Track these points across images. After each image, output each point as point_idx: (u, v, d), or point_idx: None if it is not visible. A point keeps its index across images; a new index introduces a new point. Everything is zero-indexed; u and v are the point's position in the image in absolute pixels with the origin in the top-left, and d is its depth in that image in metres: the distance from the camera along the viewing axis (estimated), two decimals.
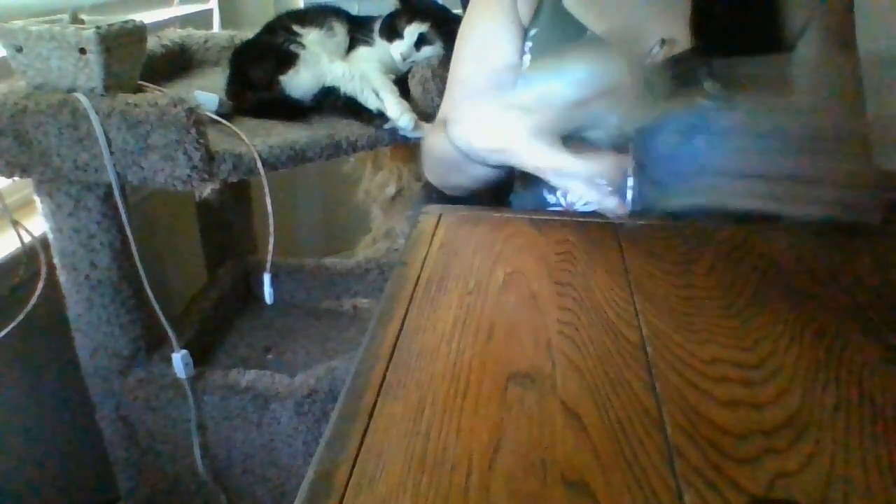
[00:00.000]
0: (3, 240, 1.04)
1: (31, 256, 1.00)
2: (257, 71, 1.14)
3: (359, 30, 1.22)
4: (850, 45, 0.77)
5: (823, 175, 0.55)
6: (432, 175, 0.88)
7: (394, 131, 1.10)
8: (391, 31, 1.17)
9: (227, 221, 1.47)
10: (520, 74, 0.81)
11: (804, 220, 0.66)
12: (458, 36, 0.87)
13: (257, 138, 0.99)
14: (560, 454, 0.38)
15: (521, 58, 0.81)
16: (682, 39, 0.74)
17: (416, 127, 1.08)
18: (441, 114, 0.90)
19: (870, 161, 0.77)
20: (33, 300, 0.97)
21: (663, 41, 0.74)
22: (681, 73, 0.71)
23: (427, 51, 1.17)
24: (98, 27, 0.85)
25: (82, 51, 0.85)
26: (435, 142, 0.82)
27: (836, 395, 0.43)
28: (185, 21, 1.54)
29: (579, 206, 0.77)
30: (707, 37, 0.74)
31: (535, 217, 0.68)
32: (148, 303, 1.02)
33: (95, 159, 0.89)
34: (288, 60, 1.11)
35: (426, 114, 1.13)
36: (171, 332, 1.04)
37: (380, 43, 1.19)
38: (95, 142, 0.87)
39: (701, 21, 0.74)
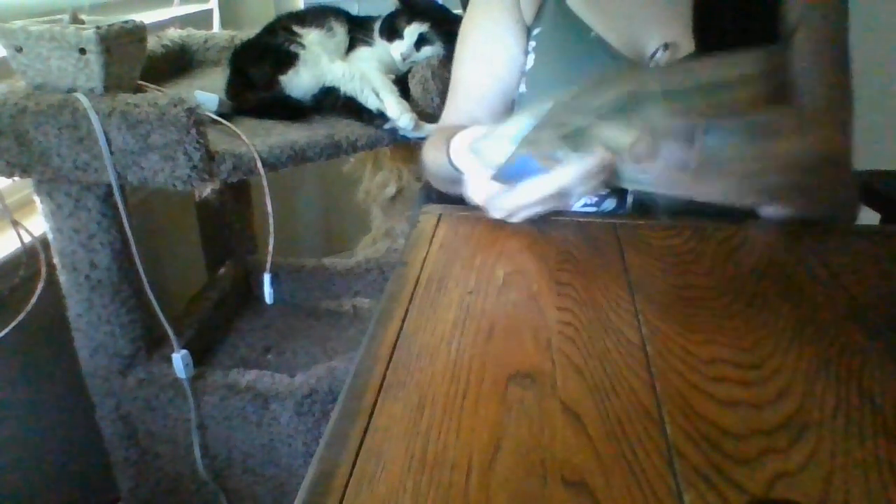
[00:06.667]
0: (3, 240, 1.04)
1: (31, 256, 1.00)
2: (257, 71, 1.14)
3: (359, 30, 1.22)
4: (840, 42, 0.77)
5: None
6: (435, 183, 0.87)
7: (394, 131, 1.10)
8: (391, 31, 1.17)
9: (227, 221, 1.47)
10: (523, 74, 0.81)
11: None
12: (460, 36, 0.87)
13: (257, 138, 0.99)
14: (560, 454, 0.38)
15: (524, 57, 0.81)
16: (684, 42, 0.74)
17: (416, 127, 1.08)
18: (443, 117, 0.90)
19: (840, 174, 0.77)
20: (33, 300, 0.97)
21: (666, 45, 0.74)
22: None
23: (427, 51, 1.17)
24: (98, 27, 0.85)
25: (82, 51, 0.85)
26: (431, 154, 0.82)
27: (836, 395, 0.43)
28: (185, 21, 1.54)
29: (577, 207, 0.77)
30: (708, 40, 0.73)
31: (535, 217, 0.68)
32: (148, 303, 1.02)
33: (95, 159, 0.89)
34: (288, 60, 1.11)
35: (426, 114, 1.12)
36: (171, 332, 1.04)
37: (380, 43, 1.19)
38: (95, 142, 0.87)
39: (702, 24, 0.74)
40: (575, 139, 0.55)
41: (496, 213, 0.63)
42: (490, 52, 0.82)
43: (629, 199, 0.75)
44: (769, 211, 0.67)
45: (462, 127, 0.71)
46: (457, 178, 0.72)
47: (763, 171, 0.54)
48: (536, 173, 0.57)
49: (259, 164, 0.94)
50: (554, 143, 0.56)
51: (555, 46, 0.78)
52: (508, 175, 0.59)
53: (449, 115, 0.88)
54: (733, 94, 0.52)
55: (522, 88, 0.81)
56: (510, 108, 0.83)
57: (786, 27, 0.75)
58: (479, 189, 0.63)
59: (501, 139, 0.60)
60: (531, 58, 0.80)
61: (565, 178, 0.56)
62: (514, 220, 0.63)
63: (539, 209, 0.61)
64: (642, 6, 0.76)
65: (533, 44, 0.80)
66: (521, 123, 0.58)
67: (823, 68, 0.76)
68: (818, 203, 0.68)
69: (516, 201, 0.60)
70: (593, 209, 0.77)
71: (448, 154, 0.71)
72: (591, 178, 0.55)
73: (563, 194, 0.57)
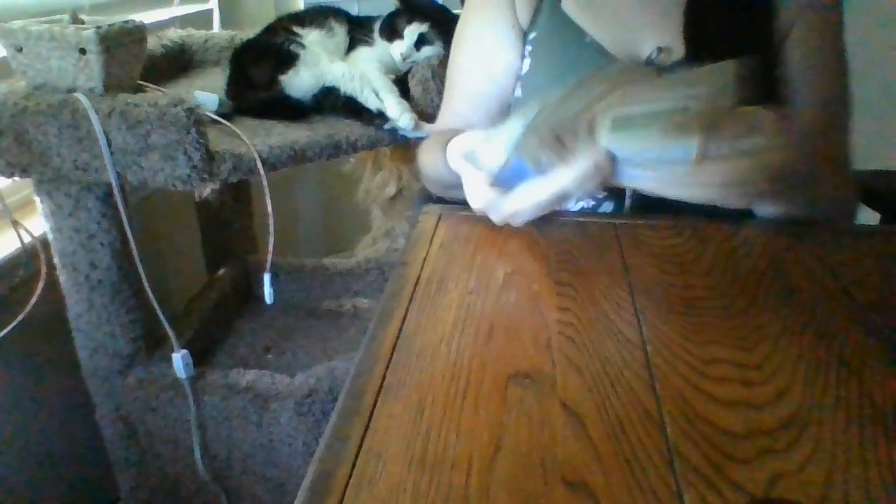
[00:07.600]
0: (3, 240, 1.04)
1: (31, 256, 1.00)
2: (257, 71, 1.14)
3: (359, 30, 1.22)
4: (835, 41, 0.77)
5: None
6: (431, 188, 0.87)
7: (394, 131, 1.10)
8: (391, 31, 1.17)
9: (227, 221, 1.47)
10: (519, 78, 0.81)
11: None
12: (455, 39, 0.86)
13: (257, 138, 0.99)
14: (560, 454, 0.38)
15: (520, 61, 0.80)
16: (677, 47, 0.75)
17: (416, 127, 1.08)
18: (439, 120, 0.90)
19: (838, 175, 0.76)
20: (33, 300, 0.97)
21: (660, 49, 0.74)
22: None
23: (427, 51, 1.17)
24: (98, 27, 0.85)
25: (82, 51, 0.86)
26: (427, 158, 0.82)
27: (836, 395, 0.43)
28: (185, 21, 1.54)
29: (574, 208, 0.77)
30: (699, 45, 0.74)
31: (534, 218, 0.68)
32: (148, 303, 1.02)
33: (95, 159, 0.89)
34: (288, 60, 1.11)
35: (426, 114, 1.13)
36: (171, 332, 1.04)
37: (380, 43, 1.19)
38: (95, 142, 0.87)
39: (694, 29, 0.74)
40: (563, 142, 0.55)
41: (495, 218, 0.63)
42: (486, 55, 0.82)
43: (627, 201, 0.75)
44: (764, 210, 0.67)
45: (458, 130, 0.71)
46: (454, 182, 0.72)
47: (744, 177, 0.54)
48: (532, 177, 0.57)
49: (259, 164, 0.94)
50: (542, 147, 0.56)
51: (550, 50, 0.78)
52: (504, 180, 0.59)
53: (444, 118, 0.88)
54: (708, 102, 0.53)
55: (518, 93, 0.81)
56: (506, 111, 0.83)
57: (779, 28, 0.75)
58: (477, 195, 0.63)
59: (494, 144, 0.60)
60: (527, 62, 0.80)
61: (562, 183, 0.56)
62: (514, 223, 0.63)
63: (538, 212, 0.61)
64: (636, 10, 0.76)
65: (529, 48, 0.80)
66: (512, 127, 0.58)
67: (820, 68, 0.76)
68: (812, 202, 0.68)
69: (514, 206, 0.60)
70: (591, 211, 0.77)
71: (445, 159, 0.71)
72: (587, 180, 0.55)
73: (561, 197, 0.57)
